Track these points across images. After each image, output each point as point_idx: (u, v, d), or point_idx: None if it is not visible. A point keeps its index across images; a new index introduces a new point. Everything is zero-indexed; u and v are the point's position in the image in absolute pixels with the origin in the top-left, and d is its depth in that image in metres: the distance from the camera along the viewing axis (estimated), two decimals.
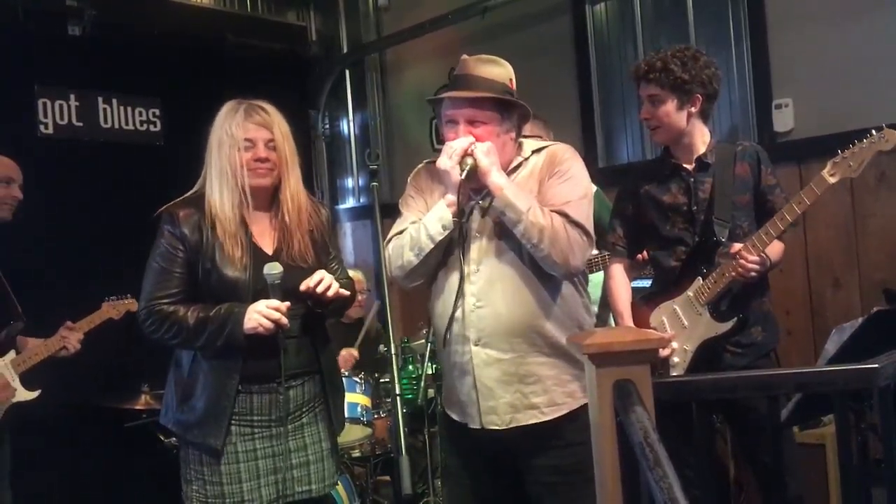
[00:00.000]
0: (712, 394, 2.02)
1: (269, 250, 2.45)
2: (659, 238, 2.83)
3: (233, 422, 2.37)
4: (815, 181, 2.57)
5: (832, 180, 2.55)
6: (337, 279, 2.51)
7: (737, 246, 2.63)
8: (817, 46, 4.00)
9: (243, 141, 2.38)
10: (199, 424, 2.37)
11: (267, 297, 2.33)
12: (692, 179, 2.77)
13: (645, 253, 2.98)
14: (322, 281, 2.37)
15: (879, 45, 3.80)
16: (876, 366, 1.84)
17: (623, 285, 2.91)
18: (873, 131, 2.53)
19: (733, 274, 2.63)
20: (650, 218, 2.83)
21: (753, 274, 2.60)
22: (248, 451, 2.39)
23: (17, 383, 3.27)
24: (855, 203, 3.81)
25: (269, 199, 2.48)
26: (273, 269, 2.31)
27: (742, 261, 2.59)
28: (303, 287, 2.36)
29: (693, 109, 2.73)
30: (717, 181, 2.73)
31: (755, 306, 2.74)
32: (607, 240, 2.99)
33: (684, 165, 2.80)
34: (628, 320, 2.83)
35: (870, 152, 2.52)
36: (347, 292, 2.49)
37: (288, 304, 2.31)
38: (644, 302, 2.88)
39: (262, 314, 2.28)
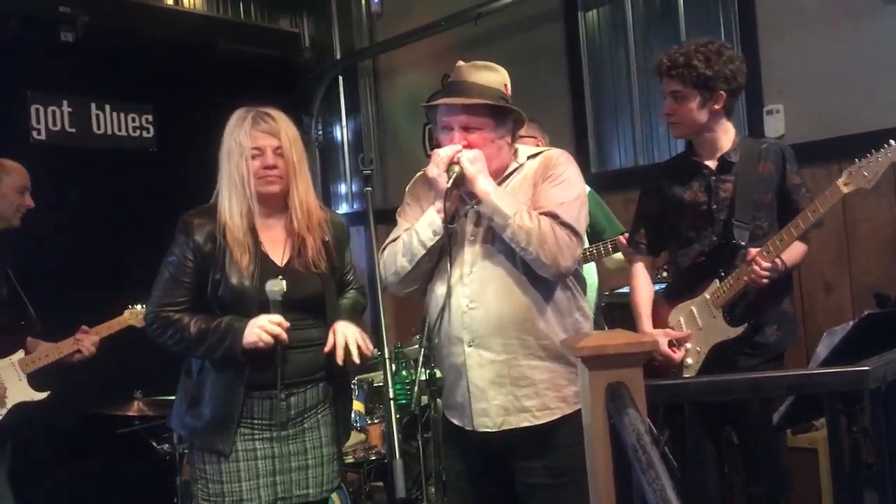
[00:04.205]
0: (705, 396, 2.02)
1: (279, 258, 2.48)
2: (678, 236, 2.80)
3: None
4: (830, 190, 2.56)
5: (846, 190, 2.54)
6: (350, 288, 2.66)
7: (753, 251, 2.60)
8: (808, 52, 4.02)
9: (251, 150, 2.41)
10: (207, 430, 2.42)
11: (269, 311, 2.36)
12: (713, 178, 2.73)
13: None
14: (346, 348, 2.42)
15: (870, 50, 3.83)
16: (867, 368, 1.84)
17: (644, 284, 2.88)
18: (892, 141, 2.51)
19: (746, 279, 2.62)
20: (670, 216, 2.81)
21: (765, 281, 2.59)
22: (247, 451, 2.43)
23: (23, 383, 3.28)
24: (846, 208, 3.83)
25: (280, 206, 2.50)
26: (275, 286, 2.35)
27: (755, 267, 2.57)
28: (336, 357, 2.41)
29: (716, 106, 2.68)
30: (739, 181, 2.68)
31: (772, 307, 2.71)
32: (632, 238, 2.98)
33: (706, 163, 2.76)
34: (646, 320, 2.82)
35: (885, 164, 2.50)
36: (368, 353, 2.49)
37: (287, 324, 2.34)
38: (665, 300, 2.87)
39: (263, 329, 2.32)
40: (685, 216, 2.77)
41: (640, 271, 2.90)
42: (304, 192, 2.48)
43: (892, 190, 3.72)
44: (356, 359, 2.44)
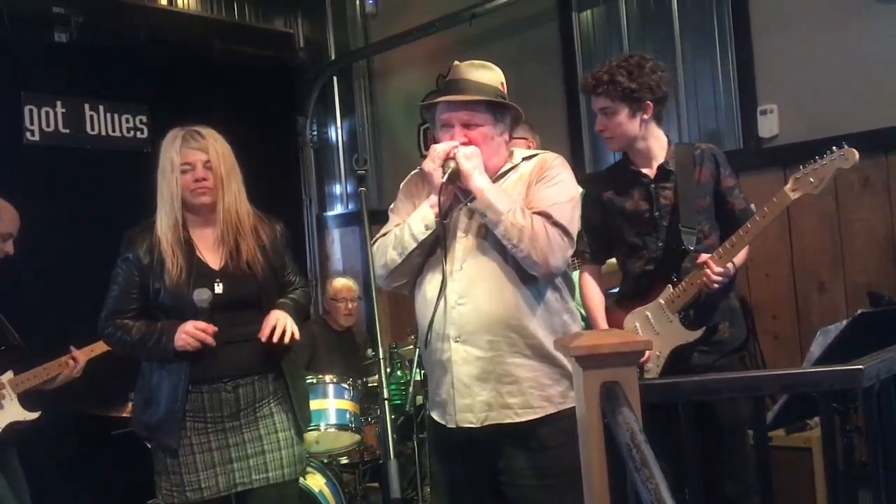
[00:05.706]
0: (699, 395, 2.03)
1: (216, 263, 2.66)
2: (624, 244, 2.86)
3: (188, 418, 2.61)
4: (778, 196, 2.61)
5: (794, 196, 2.59)
6: (293, 290, 2.81)
7: (704, 256, 2.65)
8: (802, 52, 4.03)
9: (182, 165, 2.61)
10: (160, 427, 2.63)
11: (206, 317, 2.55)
12: (653, 186, 2.80)
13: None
14: (275, 330, 2.59)
15: (863, 50, 3.84)
16: (861, 367, 1.85)
17: (595, 291, 2.93)
18: (834, 147, 2.56)
19: (699, 283, 2.66)
20: (615, 224, 2.86)
21: (716, 286, 2.64)
22: (201, 444, 2.62)
23: (14, 403, 3.26)
24: (839, 207, 3.84)
25: (213, 215, 2.68)
26: (202, 295, 2.55)
27: (708, 272, 2.62)
28: (261, 337, 2.58)
29: (645, 116, 2.76)
30: (679, 188, 2.76)
31: (722, 305, 2.77)
32: (577, 247, 3.01)
33: (644, 171, 2.82)
34: (602, 324, 2.86)
35: (830, 169, 2.55)
36: (297, 336, 2.67)
37: (215, 329, 2.53)
38: (617, 305, 2.90)
39: (189, 334, 2.52)
40: (629, 224, 2.83)
41: (588, 279, 2.94)
42: (230, 201, 2.65)
43: (885, 189, 3.73)
44: (285, 337, 2.60)
